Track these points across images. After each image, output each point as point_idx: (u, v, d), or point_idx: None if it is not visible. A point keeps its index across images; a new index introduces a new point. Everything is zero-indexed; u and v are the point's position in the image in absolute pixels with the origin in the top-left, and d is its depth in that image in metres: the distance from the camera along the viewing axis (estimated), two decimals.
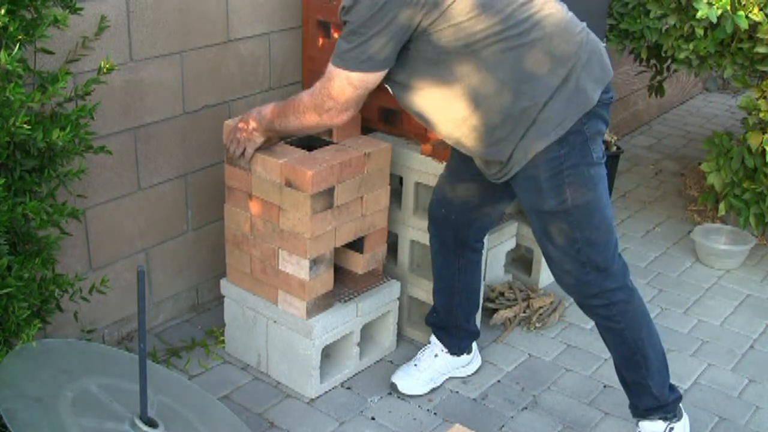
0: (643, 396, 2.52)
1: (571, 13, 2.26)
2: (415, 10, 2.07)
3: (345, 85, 2.20)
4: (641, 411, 2.54)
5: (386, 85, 2.31)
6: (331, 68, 2.22)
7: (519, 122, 2.19)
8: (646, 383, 2.48)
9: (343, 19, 2.16)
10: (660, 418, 2.53)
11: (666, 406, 2.52)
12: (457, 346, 2.85)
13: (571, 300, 3.34)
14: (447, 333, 2.84)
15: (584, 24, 2.28)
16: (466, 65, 2.15)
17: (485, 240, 2.78)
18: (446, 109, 2.24)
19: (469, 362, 2.91)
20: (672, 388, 2.55)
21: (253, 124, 2.51)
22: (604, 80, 2.26)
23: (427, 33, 2.12)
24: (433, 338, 2.88)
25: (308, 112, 2.31)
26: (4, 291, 2.02)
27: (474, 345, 2.92)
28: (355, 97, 2.23)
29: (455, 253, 2.71)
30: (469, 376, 2.91)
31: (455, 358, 2.86)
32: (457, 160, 2.55)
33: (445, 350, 2.85)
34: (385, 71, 2.19)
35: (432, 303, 2.87)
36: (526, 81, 2.15)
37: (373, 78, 2.19)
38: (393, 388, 2.82)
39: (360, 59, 2.15)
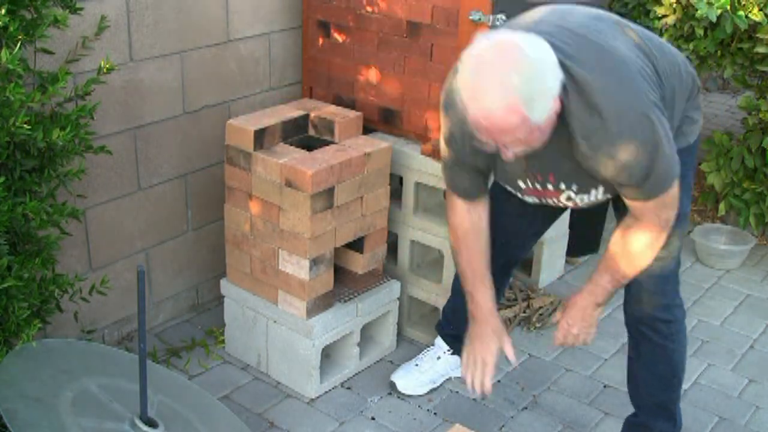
0: (660, 419, 2.49)
1: None
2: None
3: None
4: None
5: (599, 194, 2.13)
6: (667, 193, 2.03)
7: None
8: (673, 406, 2.47)
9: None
10: None
11: (677, 431, 2.52)
12: None
13: None
14: (460, 342, 2.81)
15: None
16: None
17: None
18: None
19: None
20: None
21: (588, 322, 2.26)
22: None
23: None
24: (438, 341, 2.87)
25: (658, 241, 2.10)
26: (3, 286, 2.02)
27: None
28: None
29: (496, 273, 2.48)
30: None
31: (458, 359, 2.85)
32: (518, 214, 2.42)
33: (449, 352, 2.83)
34: None
35: (435, 307, 2.85)
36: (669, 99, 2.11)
37: None
38: (392, 386, 2.81)
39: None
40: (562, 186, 2.09)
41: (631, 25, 2.10)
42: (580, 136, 1.88)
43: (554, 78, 1.79)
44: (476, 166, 2.15)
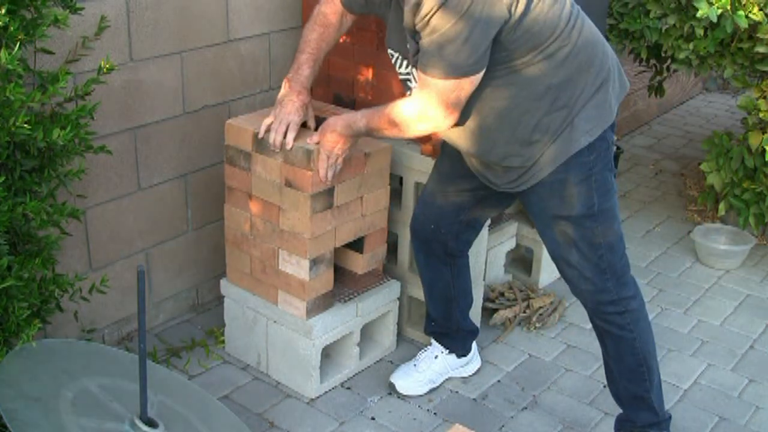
0: (641, 411, 2.49)
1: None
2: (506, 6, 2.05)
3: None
4: (639, 427, 2.51)
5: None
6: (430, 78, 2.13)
7: (552, 127, 2.20)
8: (648, 396, 2.47)
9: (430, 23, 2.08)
10: None
11: (662, 423, 2.52)
12: (461, 347, 2.85)
13: (571, 300, 3.35)
14: (449, 337, 2.84)
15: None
16: (529, 68, 2.14)
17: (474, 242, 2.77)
18: (493, 113, 2.21)
19: (468, 362, 2.91)
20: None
21: (336, 139, 2.40)
22: (621, 95, 2.32)
23: (505, 32, 2.08)
24: (434, 340, 2.88)
25: (411, 122, 2.22)
26: (3, 286, 2.02)
27: (474, 345, 2.92)
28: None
29: (446, 262, 2.70)
30: (468, 376, 2.91)
31: (456, 358, 2.86)
32: (449, 175, 2.55)
33: (446, 351, 2.84)
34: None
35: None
36: (567, 88, 2.17)
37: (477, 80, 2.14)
38: (392, 388, 2.82)
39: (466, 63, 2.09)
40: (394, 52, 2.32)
41: None
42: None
43: None
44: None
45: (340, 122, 2.37)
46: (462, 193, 2.55)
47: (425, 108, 2.16)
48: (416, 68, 2.18)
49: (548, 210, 2.33)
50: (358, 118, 2.33)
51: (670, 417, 2.55)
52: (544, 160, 2.23)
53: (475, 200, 2.55)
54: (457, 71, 2.07)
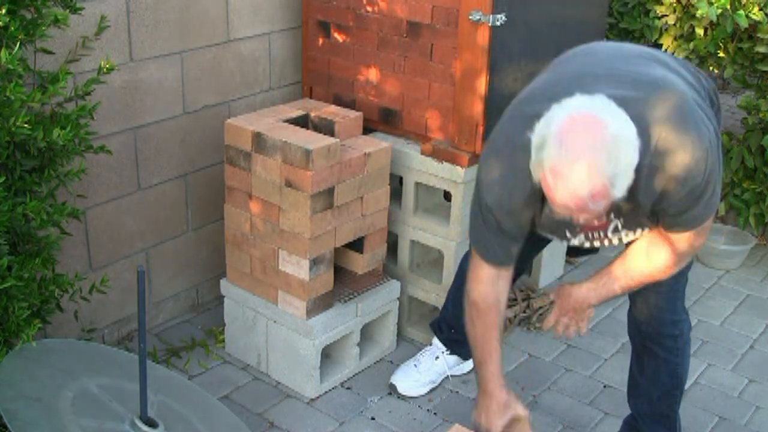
0: (660, 427, 2.49)
1: None
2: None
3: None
4: None
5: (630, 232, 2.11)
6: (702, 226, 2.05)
7: None
8: (673, 416, 2.47)
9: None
10: None
11: None
12: (468, 353, 2.84)
13: None
14: (460, 344, 2.82)
15: None
16: None
17: None
18: None
19: (466, 360, 2.90)
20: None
21: (580, 317, 2.22)
22: None
23: None
24: (435, 341, 2.87)
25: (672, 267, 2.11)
26: (3, 286, 2.02)
27: None
28: None
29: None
30: (468, 373, 2.91)
31: (457, 359, 2.85)
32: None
33: (447, 352, 2.83)
34: None
35: (431, 308, 2.85)
36: None
37: None
38: (392, 388, 2.81)
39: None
40: (612, 216, 2.04)
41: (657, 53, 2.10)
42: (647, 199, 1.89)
43: (635, 150, 1.77)
44: (520, 233, 2.07)
45: (593, 295, 2.16)
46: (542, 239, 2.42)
47: (695, 251, 2.11)
48: (668, 228, 2.03)
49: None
50: (614, 288, 2.14)
51: (681, 429, 2.55)
52: None
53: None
54: (715, 208, 2.02)
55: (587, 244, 2.14)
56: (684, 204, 1.91)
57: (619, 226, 2.07)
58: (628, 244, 2.13)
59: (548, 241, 2.41)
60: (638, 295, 2.35)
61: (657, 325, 2.38)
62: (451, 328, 2.78)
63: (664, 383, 2.43)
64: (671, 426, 2.49)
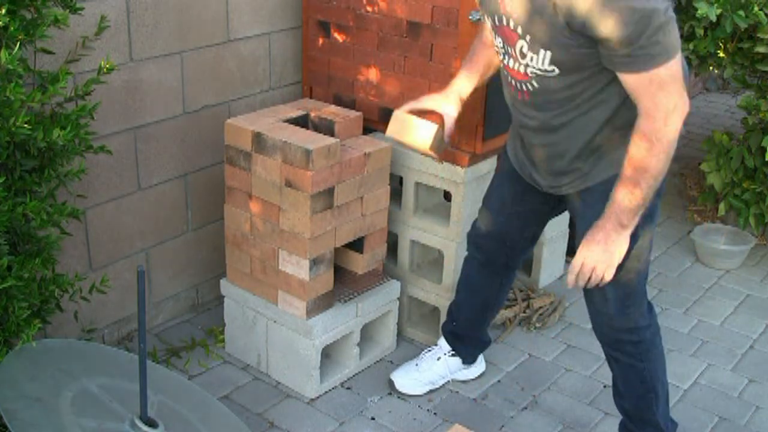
0: (647, 426, 2.49)
1: None
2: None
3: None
4: None
5: (547, 74, 2.10)
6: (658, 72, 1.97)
7: (615, 141, 2.15)
8: (654, 418, 2.46)
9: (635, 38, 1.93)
10: None
11: None
12: (470, 355, 2.85)
13: (571, 300, 3.36)
14: (464, 343, 2.82)
15: None
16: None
17: None
18: (590, 112, 2.14)
19: (470, 366, 2.90)
20: (672, 419, 2.54)
21: (611, 251, 2.13)
22: None
23: None
24: (441, 341, 2.86)
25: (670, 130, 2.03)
26: (3, 286, 2.02)
27: (480, 355, 2.91)
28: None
29: (500, 273, 2.67)
30: (469, 379, 2.91)
31: (459, 362, 2.85)
32: (513, 194, 2.48)
33: (450, 353, 2.83)
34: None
35: (441, 309, 2.85)
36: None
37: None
38: (391, 385, 2.81)
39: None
40: (519, 30, 2.06)
41: None
42: None
43: None
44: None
45: (609, 224, 2.10)
46: (531, 215, 2.51)
47: (670, 104, 1.98)
48: (623, 72, 1.99)
49: (592, 219, 2.18)
50: (624, 203, 2.07)
51: (676, 426, 2.55)
52: (604, 164, 2.20)
53: (539, 219, 2.53)
54: (677, 49, 1.95)
55: (506, 60, 2.18)
56: (610, 30, 1.88)
57: (525, 48, 2.08)
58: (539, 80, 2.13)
59: (537, 217, 2.51)
60: (589, 303, 2.37)
61: (612, 333, 2.38)
62: (452, 317, 2.81)
63: (636, 387, 2.43)
64: (655, 426, 2.47)
